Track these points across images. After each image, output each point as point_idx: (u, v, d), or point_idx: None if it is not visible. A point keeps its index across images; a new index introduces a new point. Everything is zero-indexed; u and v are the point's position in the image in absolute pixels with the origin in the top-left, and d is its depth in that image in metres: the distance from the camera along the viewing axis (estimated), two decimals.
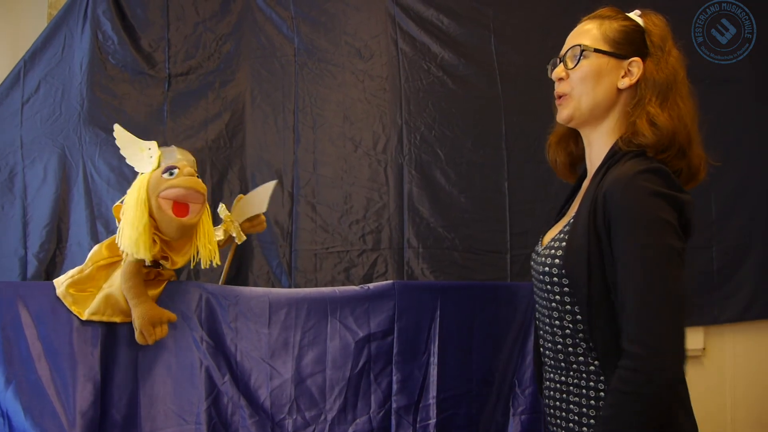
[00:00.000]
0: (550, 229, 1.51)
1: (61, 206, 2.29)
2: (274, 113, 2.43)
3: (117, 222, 1.63)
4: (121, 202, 1.63)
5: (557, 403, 1.37)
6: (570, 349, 1.33)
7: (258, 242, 2.36)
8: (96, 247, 1.66)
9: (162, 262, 1.65)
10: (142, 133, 2.25)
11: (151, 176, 1.61)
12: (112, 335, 1.60)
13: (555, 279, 1.32)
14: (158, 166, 1.63)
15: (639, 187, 1.21)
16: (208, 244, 1.70)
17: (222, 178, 2.36)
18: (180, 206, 1.60)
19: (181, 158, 1.65)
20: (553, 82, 1.45)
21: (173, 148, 1.69)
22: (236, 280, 2.29)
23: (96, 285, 1.61)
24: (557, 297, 1.33)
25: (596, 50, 1.35)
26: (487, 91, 2.52)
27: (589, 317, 1.27)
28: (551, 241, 1.39)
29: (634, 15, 1.39)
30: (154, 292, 1.63)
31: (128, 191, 1.63)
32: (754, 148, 2.70)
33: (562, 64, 1.40)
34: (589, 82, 1.36)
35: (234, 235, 1.82)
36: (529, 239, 2.45)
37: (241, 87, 2.42)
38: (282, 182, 2.39)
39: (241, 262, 2.34)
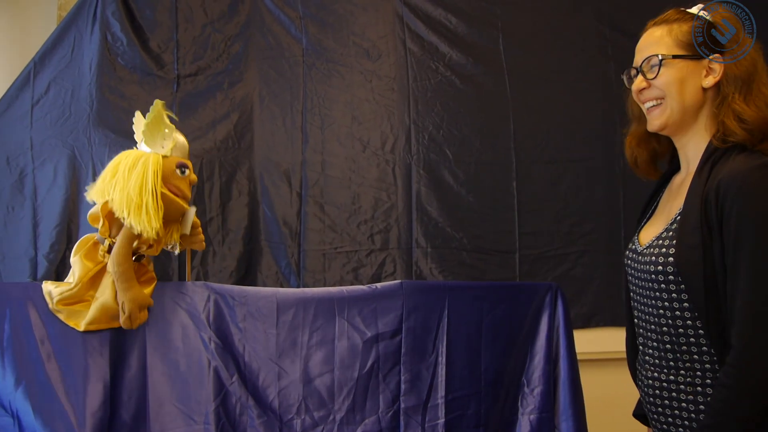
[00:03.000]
0: (641, 228, 1.50)
1: (71, 207, 2.30)
2: (282, 114, 2.43)
3: (90, 199, 1.62)
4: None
5: (666, 402, 1.37)
6: (684, 347, 1.32)
7: (266, 242, 2.37)
8: (77, 259, 1.65)
9: (147, 252, 1.65)
10: None
11: (165, 163, 1.62)
12: (121, 336, 1.61)
13: (670, 277, 1.31)
14: (170, 153, 1.64)
15: (756, 183, 1.22)
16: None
17: (230, 179, 2.36)
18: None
19: (181, 153, 1.67)
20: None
21: (181, 139, 1.69)
22: (245, 281, 2.30)
23: (87, 296, 1.60)
24: (672, 295, 1.32)
25: (674, 56, 1.35)
26: (495, 91, 2.51)
27: (707, 313, 1.26)
28: (655, 240, 1.38)
29: (697, 10, 1.39)
30: (146, 290, 1.64)
31: (118, 165, 1.60)
32: None
33: (640, 74, 1.39)
34: (674, 87, 1.35)
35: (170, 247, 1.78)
36: (537, 239, 2.44)
37: (250, 87, 2.43)
38: (290, 182, 2.39)
39: (249, 263, 2.35)
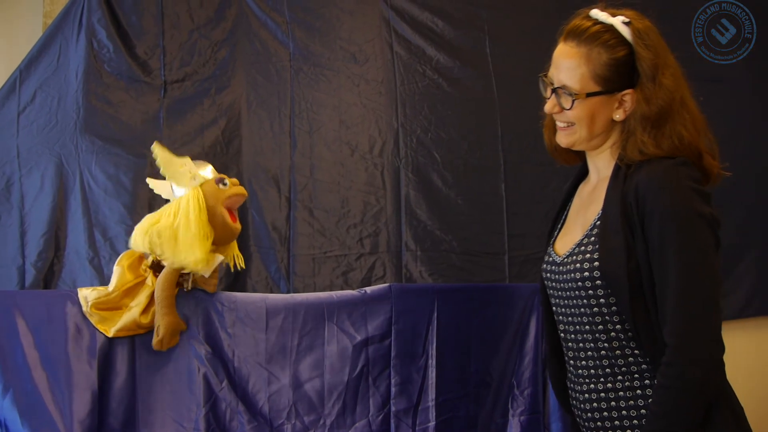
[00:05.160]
0: (555, 239, 1.49)
1: (59, 215, 2.29)
2: (270, 118, 2.43)
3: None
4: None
5: (605, 413, 1.34)
6: (618, 352, 1.31)
7: (256, 248, 2.36)
8: (118, 269, 1.69)
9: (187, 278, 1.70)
10: (139, 141, 2.27)
11: (204, 189, 1.67)
12: (110, 343, 1.61)
13: (597, 282, 1.30)
14: (203, 180, 1.68)
15: (675, 180, 1.23)
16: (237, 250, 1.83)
17: None
18: (233, 215, 1.72)
19: (214, 169, 1.74)
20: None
21: (200, 162, 1.74)
22: (234, 286, 2.29)
23: (122, 305, 1.65)
24: (600, 300, 1.31)
25: (588, 95, 1.32)
26: (482, 93, 2.52)
27: (634, 315, 1.26)
28: (575, 247, 1.36)
29: (619, 23, 1.32)
30: None
31: (169, 210, 1.66)
32: (752, 148, 2.70)
33: (554, 97, 1.36)
34: (584, 121, 1.34)
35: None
36: (526, 241, 2.45)
37: (237, 93, 2.42)
38: (279, 187, 2.39)
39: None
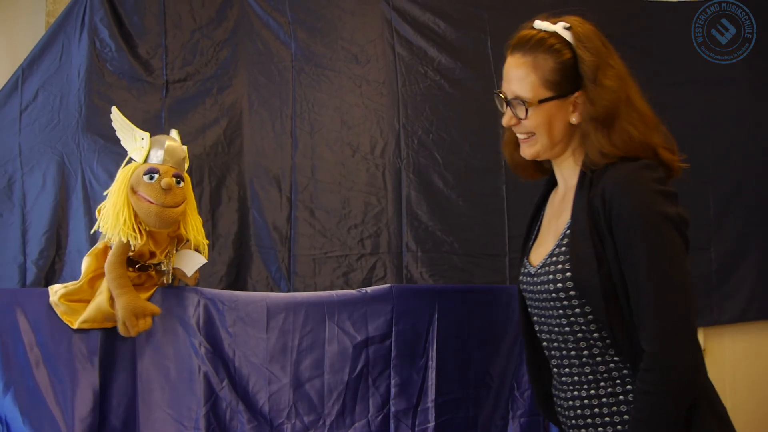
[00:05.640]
0: (530, 249, 1.49)
1: (60, 213, 2.29)
2: (272, 119, 2.43)
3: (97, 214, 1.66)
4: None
5: (589, 420, 1.34)
6: (599, 359, 1.31)
7: (257, 247, 2.36)
8: (87, 259, 1.67)
9: (150, 261, 1.65)
10: None
11: (135, 171, 1.63)
12: (111, 342, 1.61)
13: (571, 293, 1.30)
14: (145, 160, 1.64)
15: (640, 182, 1.23)
16: (197, 234, 1.72)
17: (220, 184, 2.36)
18: (155, 203, 1.62)
19: (168, 159, 1.65)
20: None
21: (165, 141, 1.69)
22: (235, 286, 2.29)
23: (88, 295, 1.61)
24: (576, 310, 1.31)
25: (540, 101, 1.33)
26: (483, 95, 2.51)
27: (609, 321, 1.25)
28: (547, 258, 1.36)
29: (561, 28, 1.34)
30: (144, 296, 1.64)
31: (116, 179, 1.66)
32: (753, 148, 2.70)
33: (510, 110, 1.37)
34: (542, 128, 1.35)
35: (166, 271, 1.76)
36: None
37: (239, 93, 2.42)
38: (280, 187, 2.39)
39: (240, 268, 2.34)
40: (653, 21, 2.73)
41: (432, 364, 1.79)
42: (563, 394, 1.40)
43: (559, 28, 1.35)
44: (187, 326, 1.67)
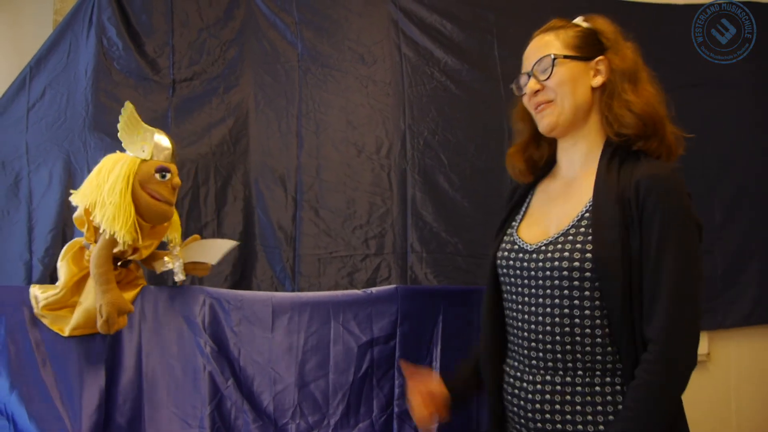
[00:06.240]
0: (516, 227, 1.50)
1: (66, 211, 2.29)
2: (278, 118, 2.43)
3: (74, 203, 1.65)
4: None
5: (557, 406, 1.32)
6: (588, 348, 1.31)
7: (261, 247, 2.37)
8: (64, 264, 1.65)
9: (132, 257, 1.65)
10: None
11: (142, 166, 1.63)
12: (116, 340, 1.61)
13: (587, 273, 1.30)
14: (151, 157, 1.64)
15: (677, 187, 1.29)
16: (175, 231, 1.77)
17: (226, 184, 2.37)
18: (160, 199, 1.66)
19: (170, 157, 1.68)
20: None
21: (165, 139, 1.69)
22: (240, 285, 2.30)
23: (71, 302, 1.60)
24: (585, 293, 1.31)
25: (566, 56, 1.40)
26: (490, 96, 2.52)
27: (621, 309, 1.27)
28: (558, 237, 1.36)
29: (580, 21, 1.46)
30: (130, 294, 1.64)
31: (101, 169, 1.64)
32: (754, 150, 2.69)
33: (532, 78, 1.43)
34: (567, 86, 1.40)
35: (175, 271, 1.76)
36: None
37: (245, 92, 2.43)
38: (285, 187, 2.39)
39: (244, 267, 2.35)
40: (653, 21, 2.73)
41: (436, 365, 1.79)
42: (529, 377, 1.37)
43: (577, 20, 1.47)
44: (193, 325, 1.67)
